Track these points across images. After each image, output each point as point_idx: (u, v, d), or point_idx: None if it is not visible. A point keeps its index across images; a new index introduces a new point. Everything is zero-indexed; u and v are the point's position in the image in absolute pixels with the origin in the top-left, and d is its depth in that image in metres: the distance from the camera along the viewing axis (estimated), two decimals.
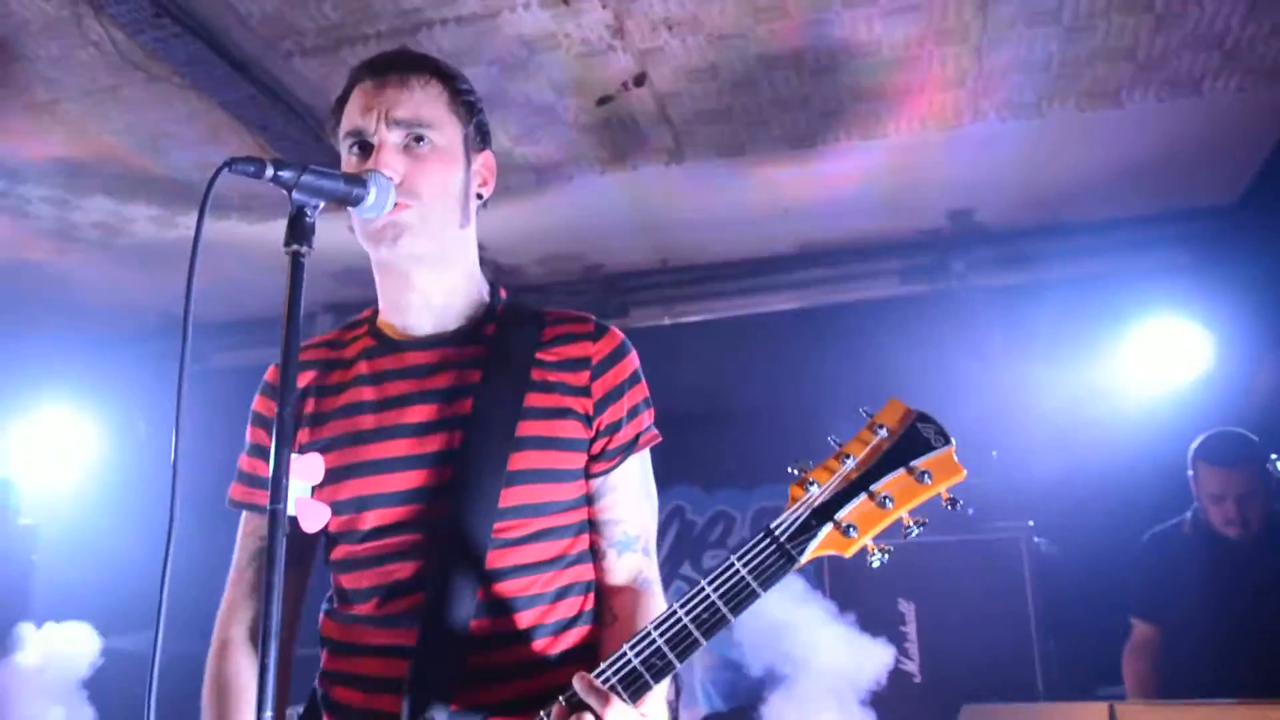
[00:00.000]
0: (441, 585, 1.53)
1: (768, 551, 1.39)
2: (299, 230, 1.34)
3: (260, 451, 1.73)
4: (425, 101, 1.64)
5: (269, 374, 1.79)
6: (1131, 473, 4.28)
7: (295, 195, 1.34)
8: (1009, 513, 4.28)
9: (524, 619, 1.59)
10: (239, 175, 1.31)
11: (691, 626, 1.39)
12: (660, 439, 1.77)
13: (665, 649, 1.39)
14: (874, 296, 5.26)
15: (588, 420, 1.68)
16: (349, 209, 1.52)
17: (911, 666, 4.26)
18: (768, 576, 1.38)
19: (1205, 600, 3.58)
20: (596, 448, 1.69)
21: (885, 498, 1.38)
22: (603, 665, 1.40)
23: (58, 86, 3.74)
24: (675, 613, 1.40)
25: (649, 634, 1.40)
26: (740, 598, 1.39)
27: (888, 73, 3.71)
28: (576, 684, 1.38)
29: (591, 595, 1.69)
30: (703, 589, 1.40)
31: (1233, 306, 4.59)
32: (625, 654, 1.40)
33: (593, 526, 1.72)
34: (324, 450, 1.64)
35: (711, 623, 1.39)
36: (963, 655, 4.19)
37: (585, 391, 1.68)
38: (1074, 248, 4.98)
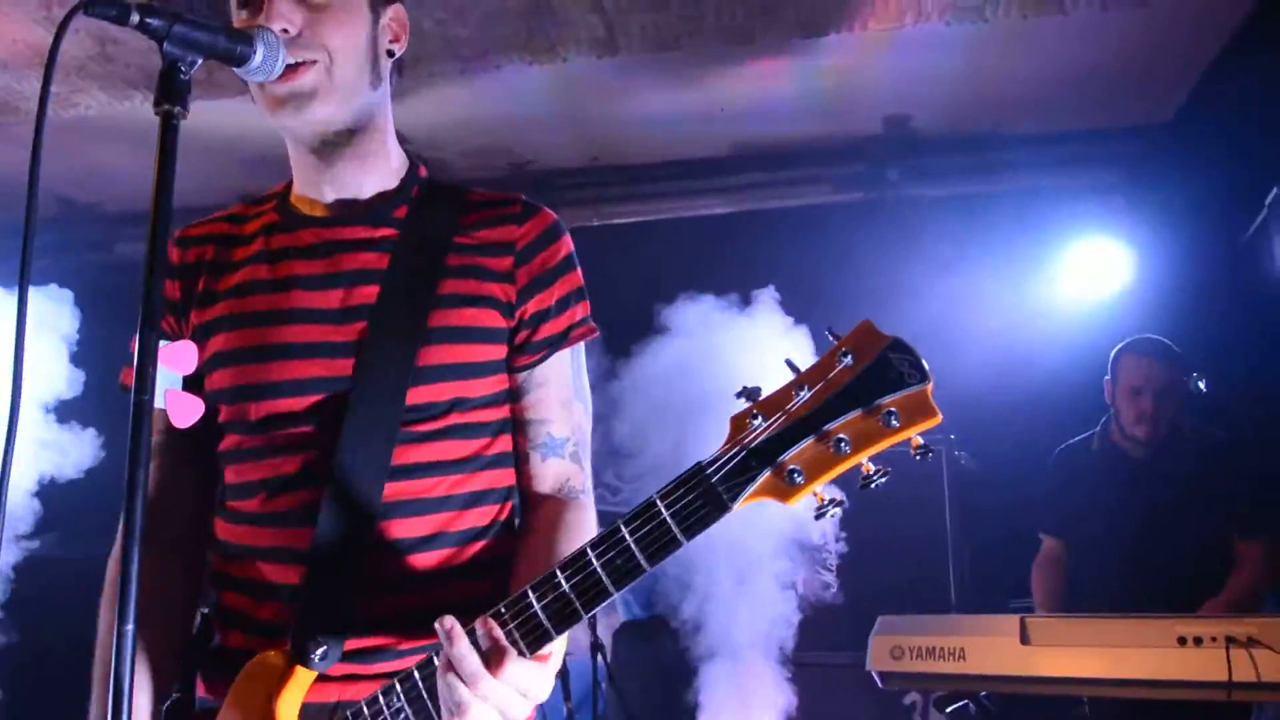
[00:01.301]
0: (338, 482, 1.40)
1: (695, 494, 1.19)
2: (171, 88, 1.16)
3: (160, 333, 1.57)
4: None
5: (169, 251, 1.60)
6: (1054, 388, 4.30)
7: (167, 48, 1.16)
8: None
9: (428, 523, 1.45)
10: (97, 19, 1.12)
11: (603, 573, 1.22)
12: (597, 333, 1.60)
13: (572, 596, 1.23)
14: (807, 203, 5.16)
15: (509, 309, 1.51)
16: (236, 71, 1.32)
17: (829, 578, 4.31)
18: (693, 523, 1.20)
19: (1110, 515, 3.62)
20: (519, 339, 1.53)
21: (840, 440, 1.16)
22: (502, 606, 1.25)
23: None
24: (585, 555, 1.23)
25: (555, 577, 1.24)
26: (659, 545, 1.20)
27: None
28: (478, 628, 1.23)
29: (510, 504, 1.55)
30: (618, 531, 1.23)
31: (1158, 226, 4.61)
32: (527, 597, 1.25)
33: (516, 427, 1.56)
34: (211, 332, 1.51)
35: (625, 570, 1.22)
36: (880, 568, 4.24)
37: (508, 277, 1.52)
38: (1008, 161, 4.93)
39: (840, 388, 1.18)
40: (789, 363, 1.22)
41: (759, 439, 1.19)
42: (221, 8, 1.52)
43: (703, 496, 1.19)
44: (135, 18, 1.13)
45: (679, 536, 1.20)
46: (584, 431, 1.60)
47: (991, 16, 3.83)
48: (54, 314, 4.92)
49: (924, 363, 1.16)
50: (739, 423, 1.21)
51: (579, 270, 1.59)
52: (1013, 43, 4.06)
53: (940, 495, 4.34)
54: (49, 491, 4.88)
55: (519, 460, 1.56)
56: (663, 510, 1.20)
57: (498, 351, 1.51)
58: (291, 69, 1.39)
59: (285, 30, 1.39)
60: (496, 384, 1.52)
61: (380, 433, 1.42)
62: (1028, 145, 4.90)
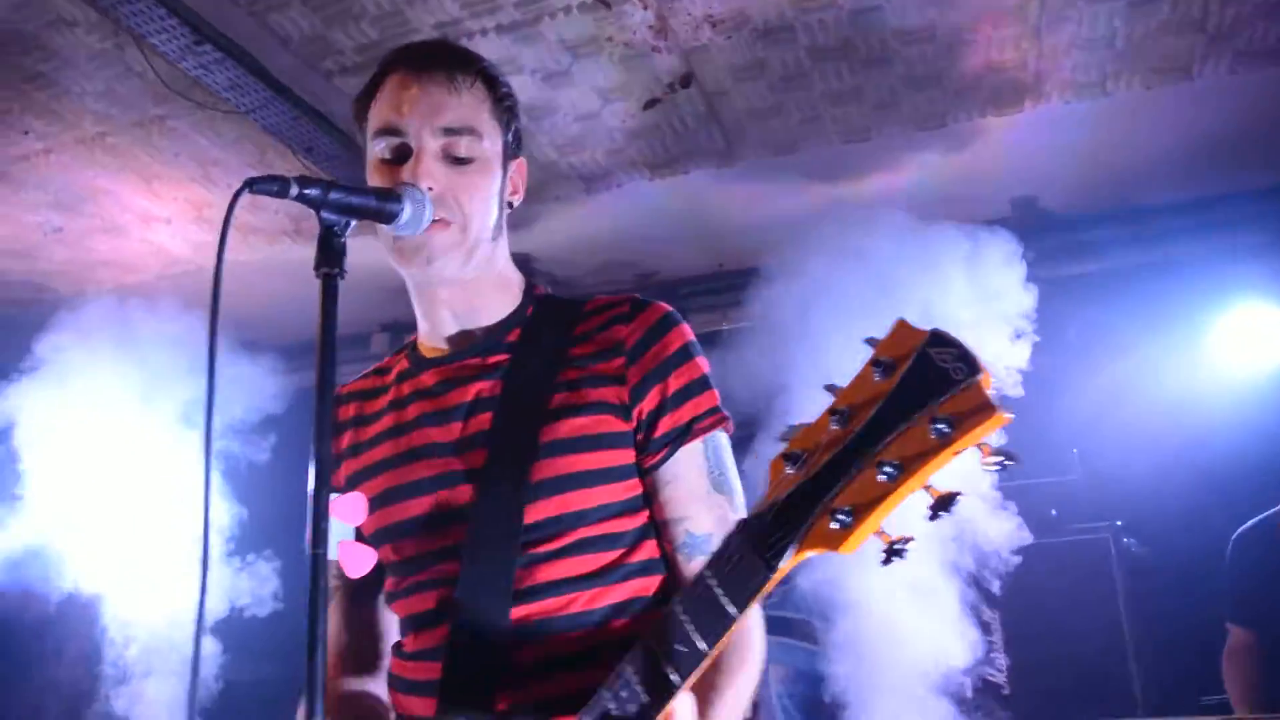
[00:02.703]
0: (465, 615, 1.39)
1: (739, 556, 1.07)
2: (329, 251, 1.23)
3: None
4: (471, 106, 1.50)
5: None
6: (1224, 465, 4.04)
7: (324, 215, 1.23)
8: (1095, 513, 4.07)
9: (564, 643, 1.40)
10: (262, 195, 1.21)
11: (664, 662, 1.12)
12: (729, 421, 1.52)
13: (639, 690, 1.15)
14: None
15: (625, 411, 1.47)
16: (383, 228, 1.39)
17: (999, 678, 4.08)
18: (742, 590, 1.07)
19: None
20: (640, 439, 1.47)
21: (890, 465, 0.97)
22: (583, 710, 1.19)
23: (106, 120, 3.76)
24: (646, 644, 1.15)
25: (623, 671, 1.17)
26: (713, 620, 1.09)
27: (943, 59, 3.57)
28: None
29: (655, 614, 1.50)
30: (671, 610, 1.13)
31: None
32: (601, 696, 1.18)
33: (658, 531, 1.50)
34: (357, 482, 1.56)
35: (686, 657, 1.11)
36: (1053, 665, 3.99)
37: (619, 379, 1.47)
38: (1147, 232, 4.75)
39: (880, 405, 0.99)
40: (829, 388, 1.05)
41: (796, 485, 1.04)
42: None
43: (745, 560, 1.07)
44: (294, 190, 1.21)
45: (729, 610, 1.08)
46: (731, 525, 1.53)
47: (1113, 89, 3.76)
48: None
49: (973, 353, 0.95)
50: (776, 468, 1.07)
51: (698, 359, 1.53)
52: (1138, 113, 3.96)
53: (1112, 586, 4.08)
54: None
55: (668, 562, 1.50)
56: (710, 581, 1.10)
57: (620, 457, 1.47)
58: (432, 227, 1.43)
59: (430, 188, 1.43)
60: (628, 489, 1.47)
61: (500, 556, 1.40)
62: (1164, 214, 4.73)
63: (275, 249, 4.71)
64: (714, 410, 1.51)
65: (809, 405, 1.09)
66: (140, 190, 4.27)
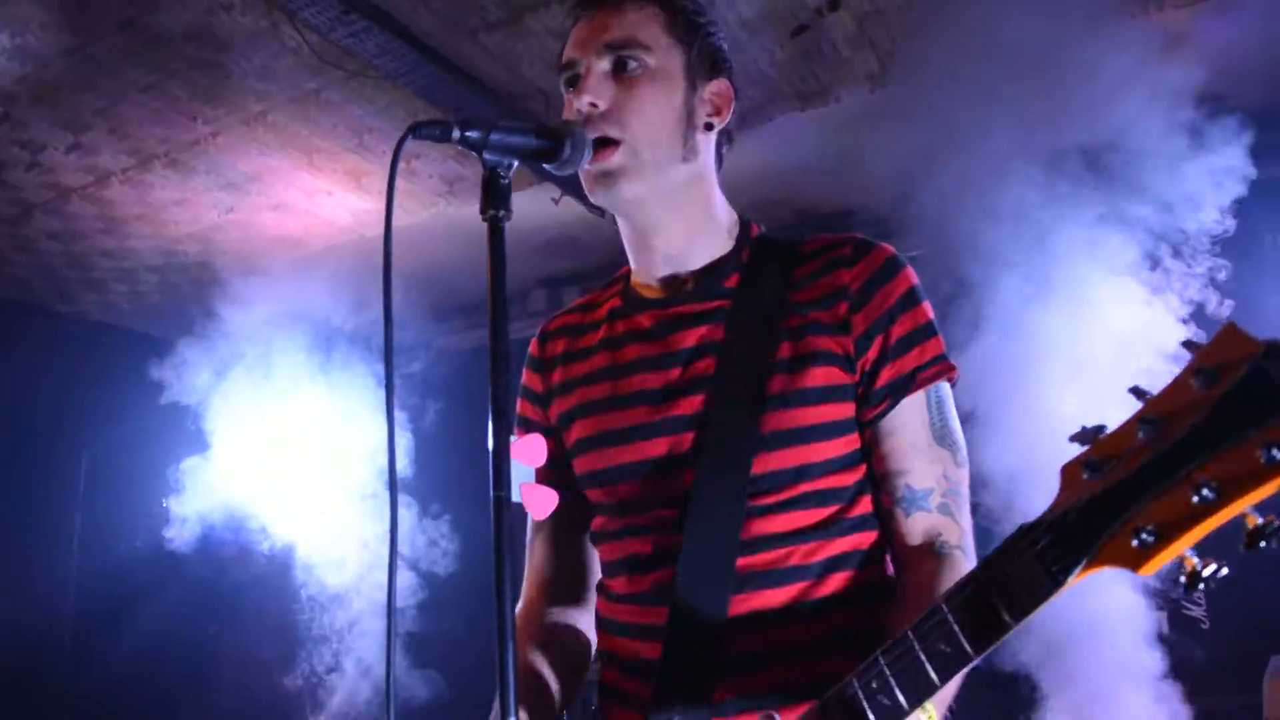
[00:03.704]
0: (689, 560, 1.38)
1: (1020, 563, 1.01)
2: (494, 194, 1.22)
3: (526, 424, 1.66)
4: (638, 22, 1.47)
5: (531, 346, 1.70)
6: None
7: (486, 156, 1.22)
8: None
9: (784, 594, 1.37)
10: (425, 140, 1.21)
11: (926, 661, 1.08)
12: (955, 372, 1.45)
13: (894, 685, 1.11)
14: None
15: (849, 362, 1.41)
16: (548, 167, 1.35)
17: (1198, 612, 3.85)
18: (1021, 600, 1.01)
19: None
20: (863, 390, 1.42)
21: (1205, 486, 0.88)
22: (829, 693, 1.18)
23: (265, 97, 3.88)
24: (908, 639, 1.10)
25: (877, 662, 1.13)
26: (985, 627, 1.04)
27: None
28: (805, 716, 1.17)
29: (879, 566, 1.44)
30: (939, 609, 1.08)
31: None
32: (850, 683, 1.15)
33: (875, 484, 1.44)
34: (570, 420, 1.56)
35: (951, 659, 1.07)
36: (1254, 600, 3.73)
37: (844, 328, 1.42)
38: None
39: (1200, 418, 0.89)
40: (1134, 391, 0.97)
41: (1093, 494, 0.96)
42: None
43: (1028, 570, 0.99)
44: (457, 133, 1.20)
45: (1006, 618, 1.02)
46: (954, 481, 1.43)
47: None
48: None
49: None
50: (1070, 475, 0.99)
51: (924, 305, 1.45)
52: None
53: None
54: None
55: (884, 518, 1.44)
56: (984, 586, 1.04)
57: (845, 410, 1.42)
58: (601, 147, 1.41)
59: (594, 105, 1.42)
60: (849, 444, 1.43)
61: (727, 507, 1.38)
62: None
63: (431, 211, 4.80)
64: (938, 359, 1.44)
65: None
66: (302, 165, 4.40)
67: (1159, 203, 3.70)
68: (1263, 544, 0.89)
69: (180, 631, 5.70)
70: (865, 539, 1.43)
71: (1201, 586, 0.94)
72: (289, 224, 4.96)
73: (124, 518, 5.75)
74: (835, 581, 1.40)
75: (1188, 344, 0.93)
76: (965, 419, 1.49)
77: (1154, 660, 3.67)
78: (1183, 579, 0.94)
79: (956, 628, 1.07)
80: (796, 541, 1.39)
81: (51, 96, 3.84)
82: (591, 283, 5.92)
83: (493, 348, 1.16)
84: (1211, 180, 3.66)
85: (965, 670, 1.28)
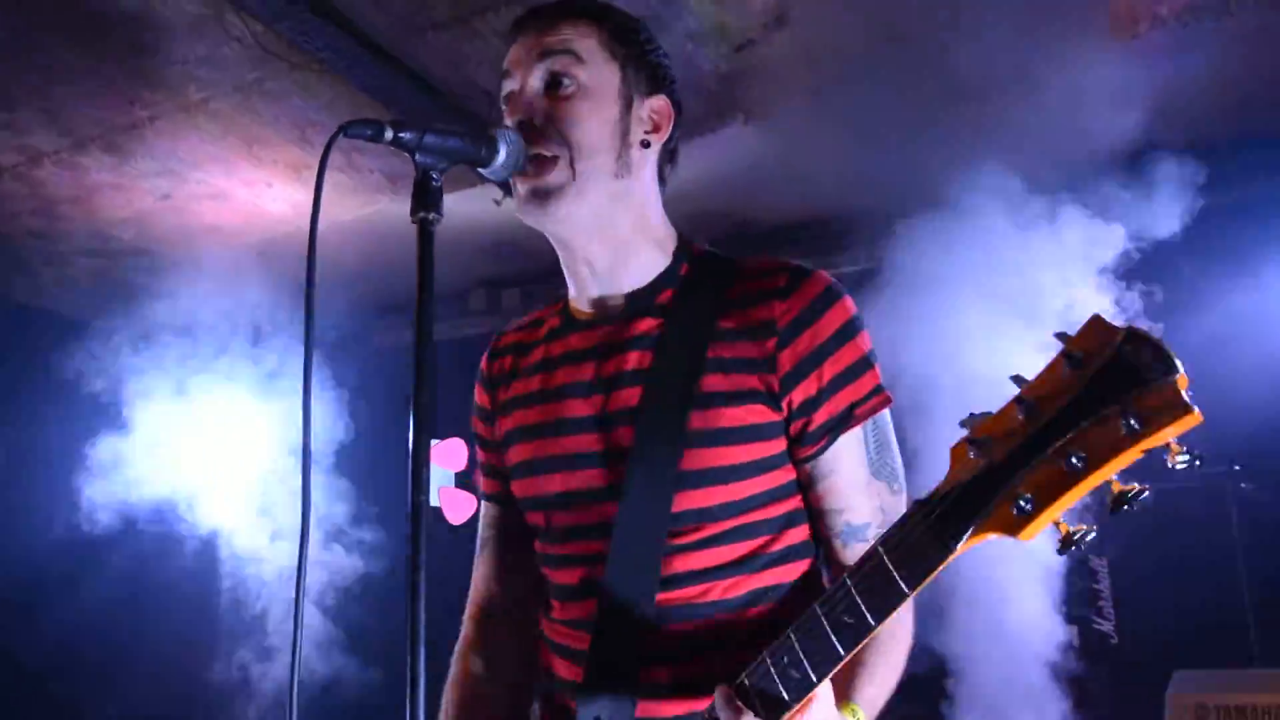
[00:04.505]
0: (612, 593, 1.40)
1: (916, 534, 1.07)
2: (425, 196, 1.23)
3: (480, 441, 1.68)
4: (571, 36, 1.47)
5: (482, 362, 1.71)
6: None
7: (419, 158, 1.24)
8: (1211, 456, 3.90)
9: (706, 628, 1.39)
10: (357, 139, 1.22)
11: (831, 632, 1.13)
12: (890, 402, 1.43)
13: (802, 659, 1.16)
14: None
15: (774, 400, 1.39)
16: (481, 171, 1.38)
17: (1107, 627, 3.98)
18: (916, 568, 1.07)
19: None
20: (794, 429, 1.40)
21: (1074, 457, 0.98)
22: (743, 673, 1.22)
23: (207, 85, 3.83)
24: (815, 613, 1.16)
25: (789, 638, 1.18)
26: (883, 597, 1.09)
27: None
28: (716, 697, 1.21)
29: (811, 595, 1.39)
30: (844, 584, 1.13)
31: None
32: (764, 661, 1.20)
33: (812, 515, 1.45)
34: (509, 443, 1.58)
35: (853, 629, 1.12)
36: (1163, 614, 3.88)
37: (769, 365, 1.39)
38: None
39: (1069, 397, 0.99)
40: (1015, 379, 1.05)
41: (978, 469, 1.04)
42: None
43: (922, 540, 1.07)
44: (389, 134, 1.21)
45: (902, 586, 1.08)
46: (890, 511, 1.44)
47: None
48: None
49: (1170, 353, 0.95)
50: (958, 454, 1.07)
51: (859, 337, 1.42)
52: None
53: (1229, 533, 3.94)
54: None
55: (822, 546, 1.47)
56: (885, 558, 1.10)
57: (770, 448, 1.41)
58: (537, 166, 1.42)
59: (528, 123, 1.43)
60: (774, 479, 1.42)
61: (647, 544, 1.39)
62: None
63: (373, 208, 4.77)
64: (874, 391, 1.42)
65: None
66: (242, 155, 4.35)
67: (1100, 224, 3.84)
68: (1125, 508, 0.99)
69: (98, 621, 5.57)
70: (794, 570, 1.44)
71: (1074, 549, 1.03)
72: (227, 213, 4.89)
73: (38, 504, 5.61)
74: (759, 614, 1.41)
75: (1060, 335, 1.02)
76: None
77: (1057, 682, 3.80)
78: (1057, 543, 1.03)
79: (859, 598, 1.12)
80: (716, 578, 1.40)
81: None
82: (532, 285, 5.94)
83: (418, 352, 1.18)
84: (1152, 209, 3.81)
85: (891, 676, 1.36)
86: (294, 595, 1.11)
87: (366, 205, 4.75)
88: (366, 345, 6.00)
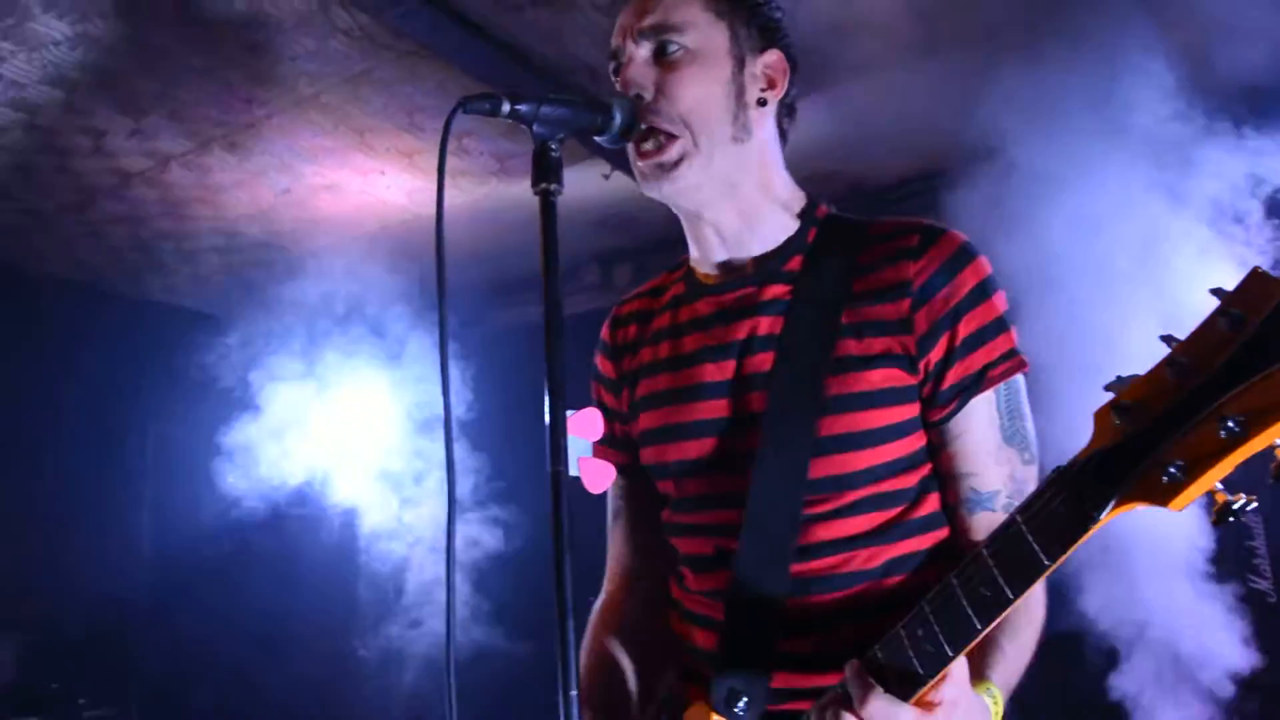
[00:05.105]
0: (747, 563, 1.37)
1: (1055, 504, 1.02)
2: (545, 167, 1.24)
3: (605, 410, 1.67)
4: (674, 5, 1.44)
5: (603, 330, 1.71)
6: None
7: (536, 129, 1.24)
8: None
9: (843, 599, 1.36)
10: (475, 114, 1.23)
11: (967, 605, 1.09)
12: (1026, 367, 1.39)
13: (938, 632, 1.11)
14: None
15: (911, 362, 1.36)
16: (599, 140, 1.38)
17: (1264, 584, 3.78)
18: (1055, 539, 1.02)
19: None
20: (927, 391, 1.37)
21: (1231, 422, 0.90)
22: (876, 646, 1.19)
23: (317, 79, 3.92)
24: (950, 585, 1.12)
25: (922, 610, 1.14)
26: (1022, 569, 1.05)
27: None
28: (847, 671, 1.18)
29: (937, 569, 1.38)
30: (980, 555, 1.10)
31: None
32: (897, 634, 1.16)
33: (940, 482, 1.41)
34: (638, 410, 1.57)
35: (990, 602, 1.08)
36: None
37: (905, 326, 1.36)
38: None
39: (1227, 356, 0.92)
40: (1165, 338, 1.00)
41: (1124, 435, 0.98)
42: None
43: (1062, 511, 1.02)
44: (506, 107, 1.22)
45: (1042, 558, 1.03)
46: (1021, 479, 1.40)
47: None
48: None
49: None
50: (1101, 419, 1.02)
51: (995, 298, 1.38)
52: None
53: None
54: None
55: (949, 513, 1.42)
56: (1023, 528, 1.05)
57: (907, 411, 1.38)
58: (654, 139, 1.41)
59: (639, 96, 1.42)
60: (911, 444, 1.39)
61: (783, 512, 1.36)
62: None
63: (484, 189, 4.83)
64: (1008, 354, 1.38)
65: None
66: (355, 145, 4.45)
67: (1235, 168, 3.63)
68: None
69: (252, 600, 5.86)
70: (931, 538, 1.41)
71: (1231, 520, 0.95)
72: (343, 203, 5.02)
73: (190, 491, 5.90)
74: (897, 583, 1.38)
75: (1216, 291, 0.94)
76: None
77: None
78: (1213, 513, 0.97)
79: (996, 571, 1.07)
80: (855, 547, 1.37)
81: (112, 83, 3.91)
82: (644, 258, 5.94)
83: (547, 322, 1.18)
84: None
85: (1025, 650, 1.31)
86: (441, 568, 1.13)
87: (478, 187, 4.81)
88: (482, 325, 6.09)
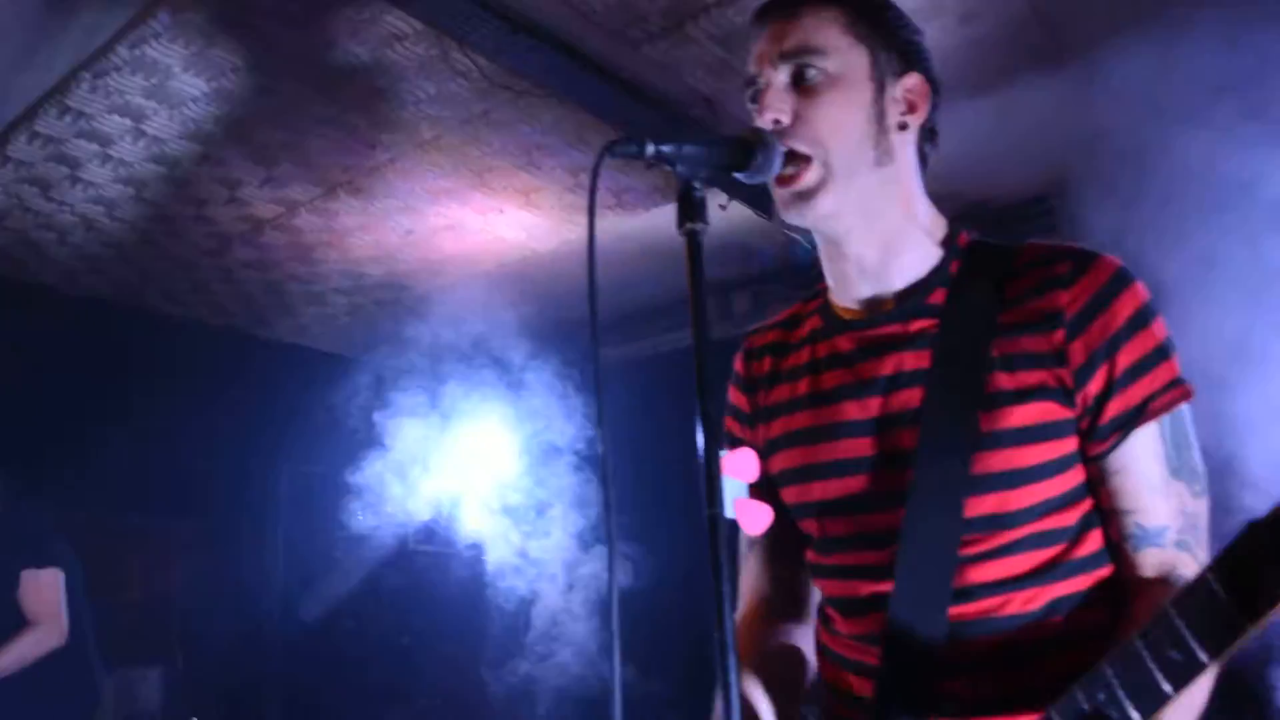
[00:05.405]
0: (902, 606, 1.32)
1: (1254, 561, 0.93)
2: (690, 206, 1.23)
3: (733, 441, 1.64)
4: (815, 27, 1.40)
5: (736, 362, 1.68)
6: None
7: (680, 170, 1.23)
8: None
9: (1002, 641, 1.30)
10: (621, 157, 1.23)
11: (1154, 668, 1.00)
12: (1190, 397, 1.31)
13: (1123, 697, 1.03)
14: None
15: (1067, 395, 1.30)
16: (738, 176, 1.35)
17: None
18: (1256, 600, 0.93)
19: None
20: (1085, 425, 1.31)
21: None
22: (1051, 709, 1.11)
23: (437, 122, 4.01)
24: (1134, 646, 1.02)
25: (1103, 673, 1.06)
26: (1218, 629, 0.96)
27: None
28: None
29: (1103, 608, 1.33)
30: (1167, 613, 1.00)
31: None
32: (1075, 696, 1.08)
33: (1103, 517, 1.34)
34: (775, 449, 1.53)
35: (1181, 666, 0.99)
36: None
37: (1059, 358, 1.30)
38: None
39: None
40: None
41: None
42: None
43: (1264, 567, 0.91)
44: (651, 149, 1.21)
45: (1241, 620, 0.93)
46: (1192, 514, 1.32)
47: None
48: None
49: None
50: None
51: (1154, 325, 1.31)
52: None
53: None
54: None
55: (1113, 551, 1.35)
56: (1213, 584, 0.95)
57: (1064, 446, 1.31)
58: (792, 168, 1.38)
59: (777, 121, 1.39)
60: (1070, 480, 1.33)
61: (938, 554, 1.31)
62: None
63: (599, 224, 4.85)
64: (1172, 384, 1.31)
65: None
66: (474, 184, 4.54)
67: None
68: None
69: (383, 634, 5.98)
70: (1094, 577, 1.34)
71: None
72: (464, 242, 5.12)
73: (322, 528, 6.07)
74: (1059, 625, 1.31)
75: None
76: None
77: None
78: None
79: (1187, 632, 0.99)
80: (1014, 588, 1.31)
81: (245, 134, 4.08)
82: (761, 287, 5.88)
83: (698, 360, 1.17)
84: None
85: (1207, 679, 1.19)
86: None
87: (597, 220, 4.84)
88: (602, 359, 6.12)
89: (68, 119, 3.89)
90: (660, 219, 4.75)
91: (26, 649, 3.81)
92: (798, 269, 5.25)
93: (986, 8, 3.46)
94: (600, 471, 1.16)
